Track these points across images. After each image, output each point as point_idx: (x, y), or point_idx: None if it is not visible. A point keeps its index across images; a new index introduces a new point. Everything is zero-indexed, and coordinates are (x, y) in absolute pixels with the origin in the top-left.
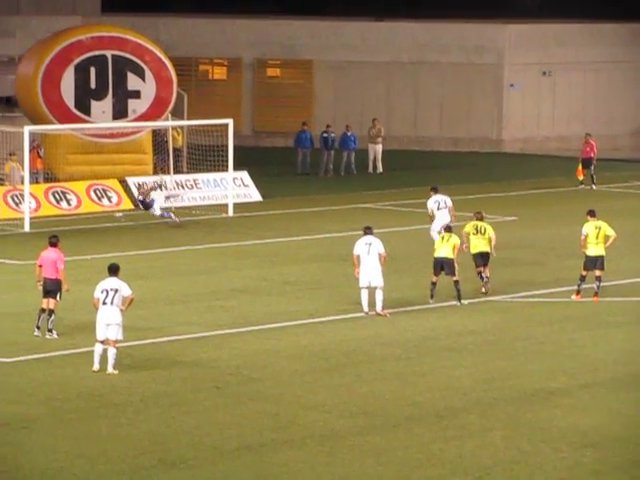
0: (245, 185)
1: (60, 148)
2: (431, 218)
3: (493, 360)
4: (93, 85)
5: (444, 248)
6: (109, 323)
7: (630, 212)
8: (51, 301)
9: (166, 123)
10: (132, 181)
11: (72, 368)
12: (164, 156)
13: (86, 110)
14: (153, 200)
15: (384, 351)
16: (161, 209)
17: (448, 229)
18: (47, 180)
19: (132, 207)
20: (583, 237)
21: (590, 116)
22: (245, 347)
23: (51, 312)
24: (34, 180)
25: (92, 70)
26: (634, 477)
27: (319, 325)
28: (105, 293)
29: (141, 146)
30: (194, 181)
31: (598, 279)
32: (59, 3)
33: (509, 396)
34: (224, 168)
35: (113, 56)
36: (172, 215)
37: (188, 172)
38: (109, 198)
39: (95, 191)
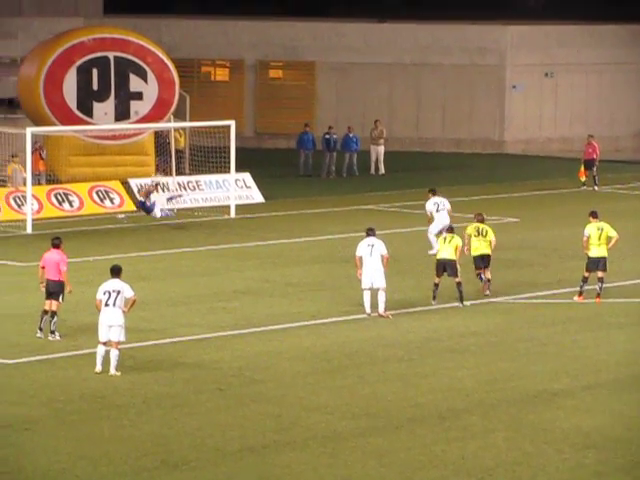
0: (247, 187)
1: (62, 150)
2: (429, 220)
3: (495, 361)
4: (95, 87)
5: (446, 249)
6: (111, 324)
7: (632, 213)
8: (54, 303)
9: (168, 125)
10: (134, 183)
11: (74, 370)
12: (166, 158)
13: (88, 112)
14: (154, 204)
15: (386, 352)
16: (161, 210)
17: (450, 230)
18: (49, 182)
19: (134, 209)
20: (585, 238)
21: (592, 117)
22: (247, 348)
23: (53, 314)
24: (36, 182)
25: (94, 72)
26: (636, 478)
27: (321, 326)
28: (107, 295)
29: (143, 148)
30: (196, 182)
31: (600, 280)
32: (61, 4)
33: (511, 397)
34: (226, 170)
35: (115, 57)
36: (169, 213)
37: (190, 174)
38: (111, 200)
39: (97, 193)
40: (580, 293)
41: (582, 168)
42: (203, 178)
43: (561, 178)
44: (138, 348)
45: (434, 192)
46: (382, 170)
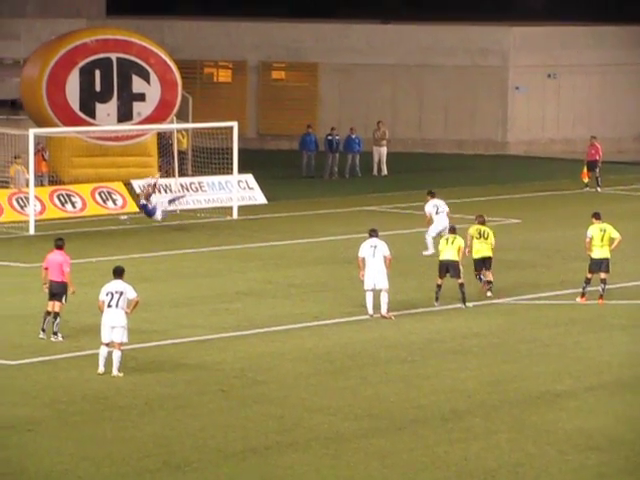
0: (250, 188)
1: (65, 151)
2: (429, 222)
3: (498, 363)
4: (98, 88)
5: (449, 250)
6: (114, 326)
7: (635, 215)
8: (56, 304)
9: (171, 126)
10: (137, 184)
11: (77, 371)
12: (169, 159)
13: (91, 113)
14: (155, 207)
15: (389, 354)
16: (162, 211)
17: (452, 230)
18: (52, 183)
19: (137, 210)
20: (588, 240)
21: (595, 119)
22: (250, 350)
23: (56, 315)
24: (39, 183)
25: (97, 73)
26: None
27: (324, 328)
28: (110, 296)
29: (146, 149)
30: (199, 184)
31: (603, 282)
32: (64, 6)
33: (514, 399)
34: (229, 171)
35: (118, 59)
36: (165, 215)
37: (193, 175)
38: (114, 201)
39: (100, 194)
40: (583, 294)
41: (585, 169)
42: (206, 179)
43: (564, 179)
44: (140, 349)
45: (433, 194)
46: (385, 171)
